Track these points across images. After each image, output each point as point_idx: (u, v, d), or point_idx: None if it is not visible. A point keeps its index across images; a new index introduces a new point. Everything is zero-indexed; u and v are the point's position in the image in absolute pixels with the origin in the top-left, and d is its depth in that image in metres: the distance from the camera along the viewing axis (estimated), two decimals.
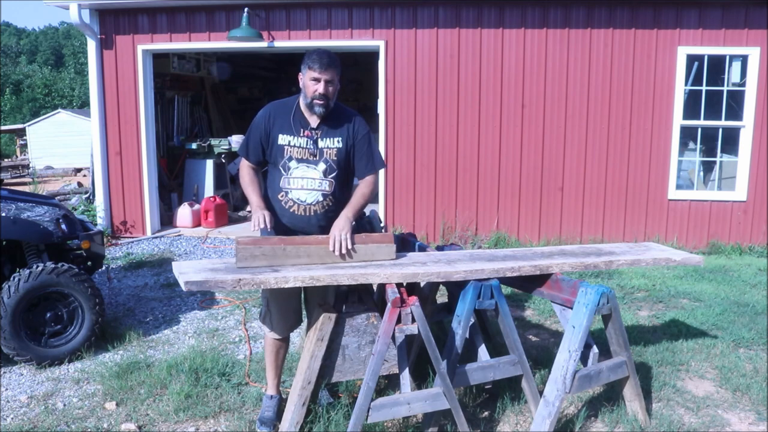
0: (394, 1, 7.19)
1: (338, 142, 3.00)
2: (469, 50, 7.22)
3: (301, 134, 2.97)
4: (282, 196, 2.99)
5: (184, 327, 4.69)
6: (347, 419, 2.84)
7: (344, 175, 3.06)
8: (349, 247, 2.83)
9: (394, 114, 7.39)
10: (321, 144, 2.98)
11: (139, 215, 7.96)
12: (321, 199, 2.98)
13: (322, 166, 2.98)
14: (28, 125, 25.12)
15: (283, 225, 3.01)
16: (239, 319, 4.83)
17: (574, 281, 2.93)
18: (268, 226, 2.81)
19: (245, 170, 3.08)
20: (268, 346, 3.17)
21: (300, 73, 2.96)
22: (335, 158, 2.99)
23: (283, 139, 2.96)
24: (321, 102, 2.91)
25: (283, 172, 2.97)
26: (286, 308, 3.07)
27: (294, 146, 2.96)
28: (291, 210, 2.99)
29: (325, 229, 2.97)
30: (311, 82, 2.89)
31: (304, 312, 3.27)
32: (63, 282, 3.95)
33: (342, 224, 2.85)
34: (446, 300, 3.77)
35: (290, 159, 2.95)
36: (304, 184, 2.97)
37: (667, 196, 7.28)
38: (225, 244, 7.53)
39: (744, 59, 7.09)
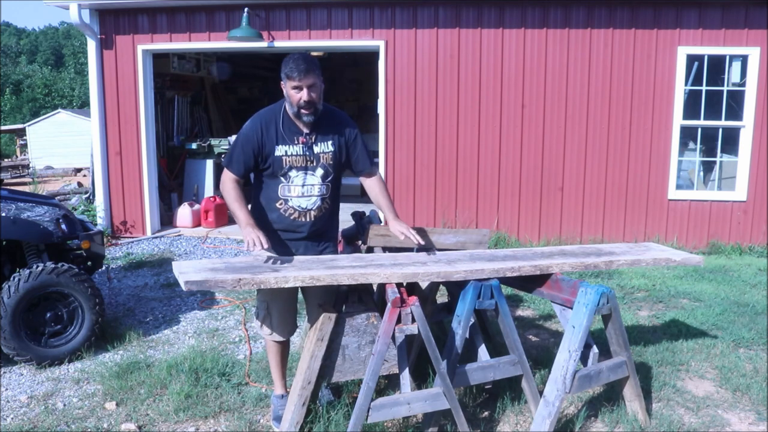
0: (394, 1, 7.19)
1: (331, 145, 3.00)
2: (469, 50, 7.22)
3: (296, 142, 2.93)
4: (281, 204, 2.99)
5: (184, 327, 4.69)
6: (347, 419, 2.84)
7: (338, 177, 3.10)
8: (419, 238, 3.01)
9: (394, 114, 7.39)
10: (316, 150, 2.96)
11: (139, 215, 7.96)
12: (320, 203, 3.01)
13: (320, 171, 2.98)
14: (28, 125, 25.10)
15: (275, 233, 3.01)
16: (239, 319, 4.83)
17: (574, 281, 2.92)
18: (264, 245, 2.74)
19: (230, 185, 2.97)
20: (271, 348, 3.17)
21: (282, 82, 2.88)
22: (331, 162, 3.00)
23: (279, 149, 2.92)
24: (308, 111, 2.85)
25: (283, 180, 2.96)
26: (287, 310, 3.08)
27: (291, 155, 2.93)
28: (291, 217, 2.99)
29: (315, 233, 3.04)
30: (293, 91, 2.83)
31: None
32: (63, 282, 3.95)
33: (401, 224, 3.00)
34: (446, 300, 3.77)
35: (290, 168, 2.93)
36: (304, 191, 2.97)
37: (667, 196, 7.28)
38: (225, 244, 7.53)
39: (744, 59, 7.09)
